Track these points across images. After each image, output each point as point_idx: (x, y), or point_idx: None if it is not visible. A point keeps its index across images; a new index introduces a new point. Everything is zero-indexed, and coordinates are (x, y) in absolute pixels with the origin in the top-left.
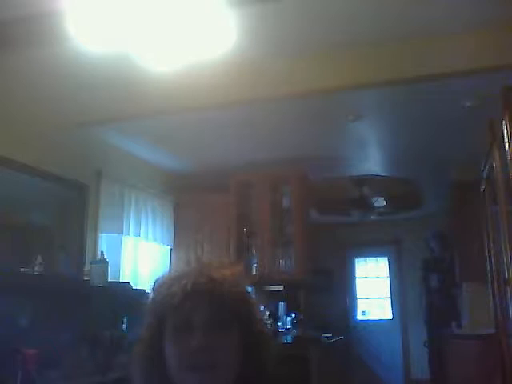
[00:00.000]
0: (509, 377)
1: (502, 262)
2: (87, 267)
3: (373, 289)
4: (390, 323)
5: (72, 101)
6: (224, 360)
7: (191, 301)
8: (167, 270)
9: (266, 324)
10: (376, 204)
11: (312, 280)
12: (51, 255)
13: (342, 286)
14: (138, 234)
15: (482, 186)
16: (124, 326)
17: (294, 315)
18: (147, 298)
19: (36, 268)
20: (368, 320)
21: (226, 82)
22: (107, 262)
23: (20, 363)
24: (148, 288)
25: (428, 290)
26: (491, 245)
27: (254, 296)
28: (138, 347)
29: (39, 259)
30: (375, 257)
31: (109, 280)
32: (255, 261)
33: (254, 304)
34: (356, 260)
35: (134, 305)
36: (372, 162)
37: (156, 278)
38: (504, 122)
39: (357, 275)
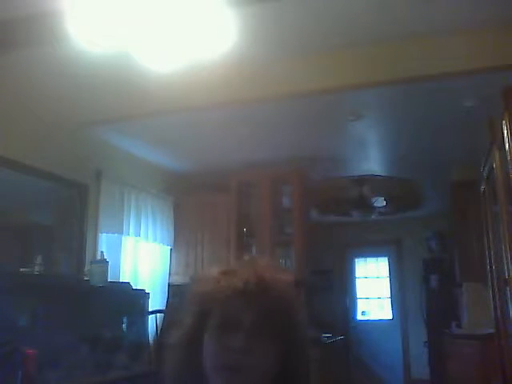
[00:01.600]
0: (509, 377)
1: (501, 262)
2: (87, 267)
3: (373, 289)
4: (390, 323)
5: (72, 101)
6: (261, 364)
7: (241, 299)
8: (167, 270)
9: (309, 336)
10: (376, 204)
11: (312, 280)
12: (51, 255)
13: (342, 286)
14: (137, 234)
15: (482, 186)
16: (124, 326)
17: None
18: (193, 288)
19: (36, 268)
20: (368, 320)
21: (226, 82)
22: (107, 262)
23: (20, 363)
24: (149, 288)
25: (428, 290)
26: (491, 245)
27: (302, 307)
28: (176, 335)
29: (39, 259)
30: (375, 257)
31: (109, 280)
32: None
33: (301, 314)
34: (356, 260)
35: (133, 305)
36: (372, 162)
37: (202, 271)
38: (504, 122)
39: (357, 275)
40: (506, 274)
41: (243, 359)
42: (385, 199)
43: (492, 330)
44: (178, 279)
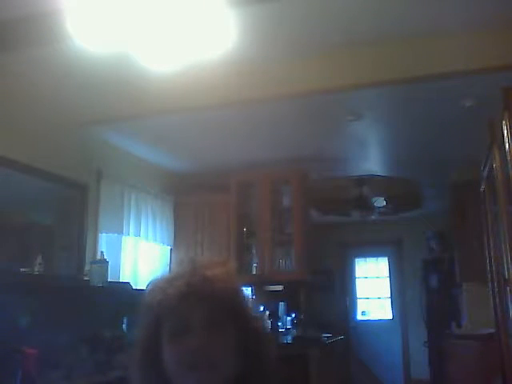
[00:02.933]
0: (509, 377)
1: (501, 262)
2: (87, 267)
3: (373, 289)
4: (389, 323)
5: (72, 101)
6: (223, 359)
7: (187, 302)
8: (165, 270)
9: (263, 321)
10: (376, 204)
11: (312, 280)
12: (51, 255)
13: (342, 286)
14: (137, 234)
15: (482, 186)
16: (124, 326)
17: (293, 315)
18: (144, 300)
19: (36, 268)
20: (368, 320)
21: (226, 82)
22: (107, 262)
23: (20, 363)
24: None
25: (428, 290)
26: (491, 245)
27: (248, 294)
28: (136, 350)
29: (39, 259)
30: (375, 257)
31: (109, 280)
32: (255, 261)
33: (246, 301)
34: (356, 260)
35: (133, 305)
36: (372, 161)
37: (149, 281)
38: (504, 122)
39: (357, 275)
40: (506, 274)
41: (203, 357)
42: (385, 199)
43: (492, 330)
44: None
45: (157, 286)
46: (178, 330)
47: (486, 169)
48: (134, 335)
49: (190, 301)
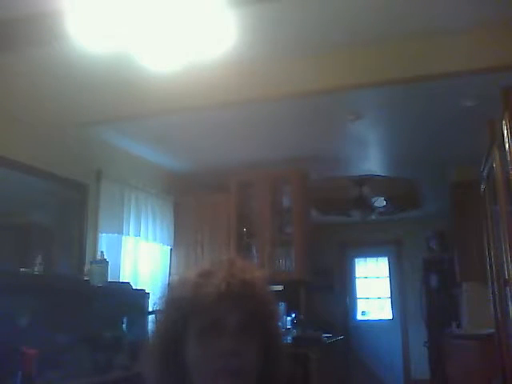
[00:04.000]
0: (509, 377)
1: (501, 262)
2: (87, 267)
3: (373, 289)
4: (390, 323)
5: (72, 101)
6: (250, 364)
7: (225, 302)
8: (167, 270)
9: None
10: (376, 204)
11: (312, 280)
12: (51, 255)
13: (342, 286)
14: (138, 234)
15: (482, 186)
16: (124, 326)
17: (293, 315)
18: (167, 296)
19: (36, 268)
20: (368, 320)
21: (226, 82)
22: (107, 262)
23: (20, 363)
24: (149, 288)
25: (428, 290)
26: (491, 245)
27: (275, 300)
28: (154, 347)
29: (39, 259)
30: (375, 257)
31: (109, 280)
32: (255, 261)
33: (277, 308)
34: (356, 260)
35: (133, 305)
36: (372, 161)
37: (172, 277)
38: (504, 122)
39: (357, 275)
40: (506, 274)
41: (233, 362)
42: (385, 199)
43: (492, 330)
44: None
45: (187, 281)
46: (209, 330)
47: (486, 169)
48: (152, 330)
49: (229, 302)
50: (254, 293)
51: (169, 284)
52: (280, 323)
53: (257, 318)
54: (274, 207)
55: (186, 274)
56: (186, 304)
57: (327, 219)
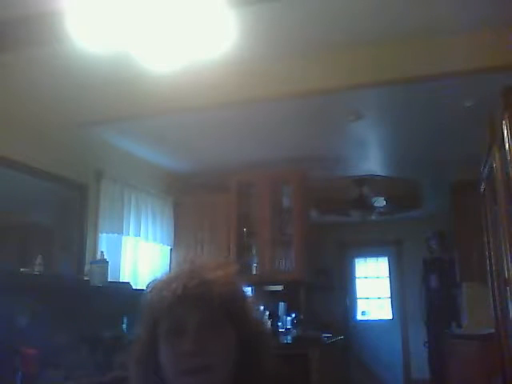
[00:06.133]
0: (509, 377)
1: (501, 262)
2: (87, 267)
3: (373, 289)
4: (389, 323)
5: (72, 101)
6: (219, 362)
7: (182, 304)
8: (166, 270)
9: (264, 323)
10: (376, 204)
11: (312, 280)
12: (51, 255)
13: (342, 286)
14: (138, 234)
15: (482, 186)
16: (124, 326)
17: (293, 315)
18: (144, 300)
19: (36, 268)
20: (368, 320)
21: (226, 82)
22: (107, 262)
23: (20, 363)
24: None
25: (428, 290)
26: (491, 245)
27: (249, 295)
28: (134, 349)
29: (39, 259)
30: (375, 257)
31: (109, 280)
32: (255, 261)
33: (248, 303)
34: (356, 260)
35: (133, 305)
36: (372, 161)
37: (150, 280)
38: (504, 122)
39: (357, 275)
40: (506, 274)
41: (195, 361)
42: (385, 199)
43: (492, 330)
44: None
45: (155, 286)
46: (172, 332)
47: (486, 169)
48: (134, 334)
49: (185, 303)
50: (213, 292)
51: (146, 290)
52: (258, 319)
53: (221, 316)
54: (274, 207)
55: (154, 280)
56: (153, 308)
57: (327, 219)
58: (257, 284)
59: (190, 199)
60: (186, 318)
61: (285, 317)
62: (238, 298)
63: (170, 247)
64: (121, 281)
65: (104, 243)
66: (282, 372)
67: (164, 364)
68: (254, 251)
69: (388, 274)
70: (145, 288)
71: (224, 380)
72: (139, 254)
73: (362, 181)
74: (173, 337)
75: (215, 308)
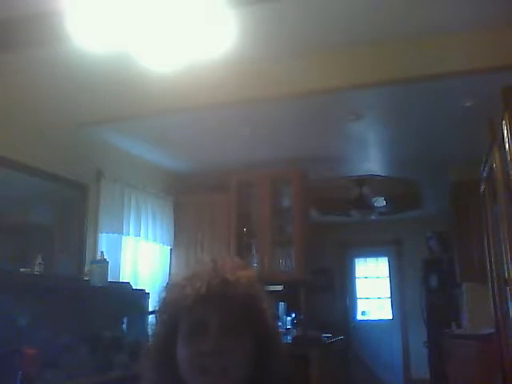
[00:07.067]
0: (509, 377)
1: (501, 262)
2: (87, 267)
3: (373, 289)
4: (389, 323)
5: (72, 101)
6: (236, 363)
7: (205, 303)
8: (167, 270)
9: (277, 325)
10: (376, 204)
11: (312, 280)
12: (51, 255)
13: (342, 286)
14: (138, 234)
15: (482, 186)
16: (124, 326)
17: (293, 315)
18: (161, 297)
19: (36, 268)
20: (368, 320)
21: (226, 82)
22: (107, 261)
23: (20, 363)
24: (149, 288)
25: (428, 290)
26: (491, 245)
27: (267, 297)
28: (151, 347)
29: (39, 259)
30: (375, 257)
31: (109, 280)
32: (255, 261)
33: (267, 306)
34: (356, 260)
35: (133, 305)
36: (372, 162)
37: (169, 277)
38: (504, 122)
39: (357, 275)
40: (506, 274)
41: (215, 361)
42: (385, 199)
43: (492, 330)
44: None
45: (176, 283)
46: (193, 332)
47: (486, 169)
48: (151, 331)
49: (209, 303)
50: (236, 293)
51: (164, 286)
52: (274, 322)
53: (242, 318)
54: (274, 207)
55: (175, 277)
56: (173, 306)
57: (327, 219)
58: None
59: (190, 199)
60: (208, 318)
61: (285, 317)
62: (259, 299)
63: (170, 247)
64: (121, 281)
65: (104, 243)
66: (294, 373)
67: (181, 362)
68: (253, 251)
69: (388, 274)
70: (161, 287)
71: (239, 381)
72: (139, 254)
73: (362, 181)
74: (194, 335)
75: (237, 308)
